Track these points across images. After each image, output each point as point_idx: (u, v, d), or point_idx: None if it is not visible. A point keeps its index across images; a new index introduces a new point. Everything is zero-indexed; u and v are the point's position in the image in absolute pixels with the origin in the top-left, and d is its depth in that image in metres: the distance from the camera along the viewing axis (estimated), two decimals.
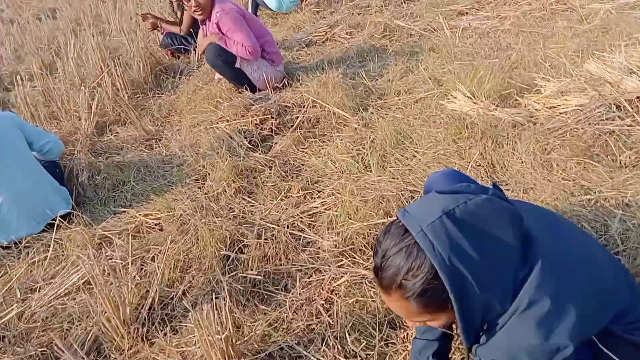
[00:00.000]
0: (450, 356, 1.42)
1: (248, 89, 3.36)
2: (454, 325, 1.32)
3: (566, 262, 1.03)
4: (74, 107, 3.52)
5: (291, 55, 4.49)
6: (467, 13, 5.06)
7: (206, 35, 3.50)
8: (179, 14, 4.79)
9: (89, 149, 3.01)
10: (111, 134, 3.38)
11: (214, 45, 3.31)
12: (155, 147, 3.11)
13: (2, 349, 1.73)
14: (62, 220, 2.33)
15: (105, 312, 1.66)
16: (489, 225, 0.95)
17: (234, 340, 1.45)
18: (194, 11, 3.42)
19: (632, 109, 2.58)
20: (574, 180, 2.25)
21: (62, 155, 2.85)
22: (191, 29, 4.64)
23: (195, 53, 4.39)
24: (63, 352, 1.43)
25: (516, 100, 2.88)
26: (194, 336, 1.55)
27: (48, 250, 2.20)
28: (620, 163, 2.31)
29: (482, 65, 3.18)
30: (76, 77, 3.82)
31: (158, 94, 3.88)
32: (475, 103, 2.83)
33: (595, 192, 2.14)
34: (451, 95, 2.99)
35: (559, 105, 2.68)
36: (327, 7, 5.83)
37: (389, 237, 0.98)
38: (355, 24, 5.00)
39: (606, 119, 2.55)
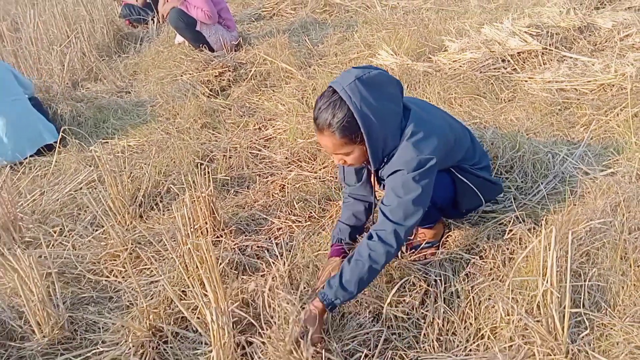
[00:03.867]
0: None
1: (207, 48, 3.87)
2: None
3: (430, 117, 1.68)
4: (46, 66, 3.89)
5: (242, 28, 5.01)
6: None
7: (167, 1, 3.97)
8: None
9: (68, 97, 3.42)
10: (83, 89, 3.79)
11: (176, 9, 3.80)
12: (127, 97, 3.57)
13: (22, 233, 2.19)
14: (55, 145, 2.79)
15: (111, 194, 2.17)
16: (383, 87, 1.57)
17: (214, 200, 2.01)
18: None
19: (513, 61, 3.34)
20: (466, 111, 2.95)
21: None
22: (147, 0, 5.06)
23: (153, 22, 4.83)
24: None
25: (428, 57, 3.58)
26: (183, 200, 2.07)
27: (48, 167, 2.65)
28: (500, 99, 3.05)
29: (403, 31, 3.86)
30: (45, 39, 4.17)
31: (123, 56, 4.30)
32: (395, 59, 3.50)
33: (479, 118, 2.86)
34: (378, 54, 3.65)
35: (459, 59, 3.40)
36: None
37: (322, 98, 1.58)
38: (300, 1, 5.58)
39: (493, 68, 3.30)
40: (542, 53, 3.39)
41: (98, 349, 1.54)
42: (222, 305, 1.33)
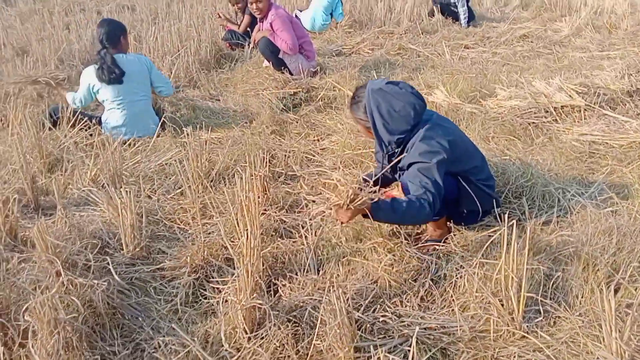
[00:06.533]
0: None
1: (287, 72, 4.54)
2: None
3: (445, 126, 2.17)
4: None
5: (322, 60, 5.67)
6: (470, 47, 6.24)
7: (260, 30, 4.72)
8: (239, 15, 6.12)
9: (171, 97, 4.19)
10: (183, 93, 4.58)
11: (265, 39, 4.52)
12: (216, 103, 4.29)
13: (123, 186, 2.84)
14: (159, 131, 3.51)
15: (192, 168, 2.78)
16: (401, 100, 2.07)
17: (267, 180, 2.55)
18: (255, 11, 4.67)
19: (555, 113, 3.67)
20: (500, 148, 3.32)
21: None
22: (247, 29, 5.90)
23: (248, 47, 5.64)
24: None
25: (479, 101, 3.99)
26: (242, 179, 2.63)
27: (148, 144, 3.36)
28: (534, 143, 3.39)
29: (461, 76, 4.30)
30: (160, 50, 5.06)
31: (219, 71, 5.09)
32: (447, 98, 3.94)
33: (510, 156, 3.22)
34: (433, 93, 4.11)
35: (504, 105, 3.78)
36: (358, 29, 7.07)
37: (360, 88, 2.17)
38: (378, 43, 6.21)
39: (535, 117, 3.64)
40: (585, 109, 3.68)
41: (165, 263, 2.10)
42: (256, 232, 1.83)
